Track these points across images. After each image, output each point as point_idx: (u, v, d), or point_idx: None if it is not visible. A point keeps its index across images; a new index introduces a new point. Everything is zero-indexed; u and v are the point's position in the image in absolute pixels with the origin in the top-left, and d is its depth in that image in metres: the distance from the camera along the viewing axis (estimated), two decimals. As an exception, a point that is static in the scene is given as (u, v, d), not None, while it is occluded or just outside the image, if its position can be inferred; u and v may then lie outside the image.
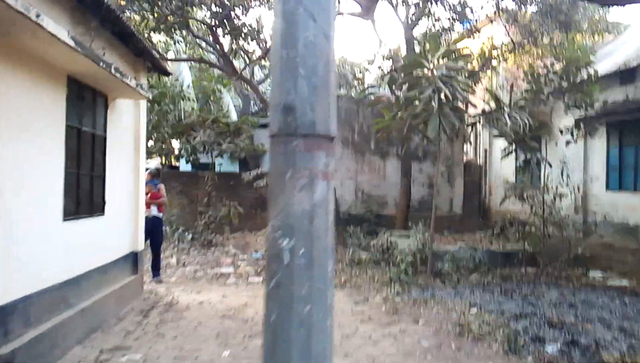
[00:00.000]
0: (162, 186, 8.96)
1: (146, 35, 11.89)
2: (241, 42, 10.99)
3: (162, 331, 6.02)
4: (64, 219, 5.14)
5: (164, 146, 14.05)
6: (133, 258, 7.49)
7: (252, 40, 11.05)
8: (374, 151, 16.09)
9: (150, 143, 14.42)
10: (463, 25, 13.51)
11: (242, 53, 11.18)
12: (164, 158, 16.58)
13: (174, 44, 16.13)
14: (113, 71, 5.16)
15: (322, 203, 2.09)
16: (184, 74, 16.51)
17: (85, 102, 5.72)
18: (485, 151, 17.81)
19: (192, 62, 14.72)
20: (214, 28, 10.85)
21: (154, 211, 8.58)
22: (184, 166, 16.31)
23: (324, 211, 2.12)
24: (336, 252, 11.62)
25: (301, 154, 2.07)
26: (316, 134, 2.08)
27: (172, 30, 12.41)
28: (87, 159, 5.80)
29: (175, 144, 14.92)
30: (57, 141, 5.03)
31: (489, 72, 15.36)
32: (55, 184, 5.00)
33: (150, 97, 6.81)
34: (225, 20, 10.61)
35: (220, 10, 10.62)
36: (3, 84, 4.03)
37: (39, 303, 4.64)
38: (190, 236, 13.43)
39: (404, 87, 8.24)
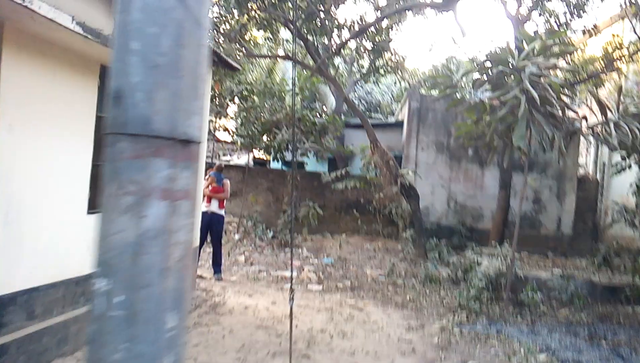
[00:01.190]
0: (226, 182, 8.78)
1: (237, 31, 11.95)
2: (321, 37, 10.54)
3: (189, 335, 5.76)
4: (89, 213, 5.04)
5: (254, 142, 14.07)
6: (184, 255, 7.36)
7: (330, 36, 10.56)
8: (471, 158, 14.82)
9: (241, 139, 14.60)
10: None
11: (320, 48, 10.71)
12: (253, 154, 16.79)
13: (268, 40, 16.20)
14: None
15: (157, 234, 1.50)
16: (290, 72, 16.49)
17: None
18: (604, 164, 15.62)
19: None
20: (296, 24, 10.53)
21: (214, 206, 8.43)
22: (274, 163, 16.32)
23: (160, 245, 1.53)
24: (413, 265, 10.84)
25: (127, 162, 1.51)
26: (152, 135, 1.50)
27: (263, 27, 12.40)
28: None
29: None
30: (86, 133, 4.93)
31: (615, 75, 13.41)
32: (81, 176, 4.91)
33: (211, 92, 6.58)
34: (308, 17, 10.24)
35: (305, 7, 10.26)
36: (23, 73, 3.95)
37: (52, 295, 4.56)
38: (271, 234, 13.35)
39: (486, 87, 7.21)
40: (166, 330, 1.47)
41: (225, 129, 13.82)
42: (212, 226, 8.33)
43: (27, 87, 4.08)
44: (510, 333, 6.43)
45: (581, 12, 11.08)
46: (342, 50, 11.55)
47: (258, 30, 13.48)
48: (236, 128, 14.39)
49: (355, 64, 16.58)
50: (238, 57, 12.20)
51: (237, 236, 12.96)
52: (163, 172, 1.43)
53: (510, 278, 7.78)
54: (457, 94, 7.70)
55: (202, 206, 8.26)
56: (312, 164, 16.28)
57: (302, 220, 13.04)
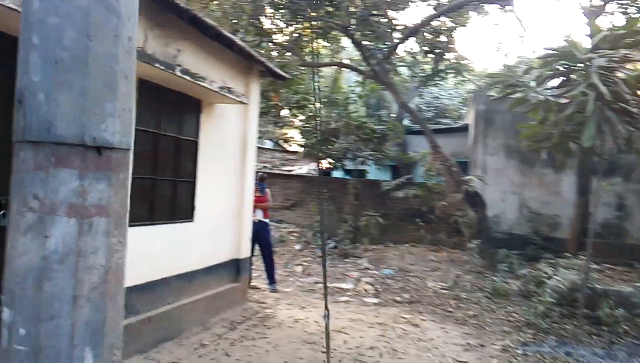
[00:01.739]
0: (268, 191, 8.84)
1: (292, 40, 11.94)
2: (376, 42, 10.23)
3: (233, 349, 5.63)
4: (129, 226, 5.03)
5: (313, 151, 13.97)
6: (234, 266, 7.31)
7: (384, 40, 10.21)
8: (545, 162, 13.81)
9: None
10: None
11: (376, 53, 10.39)
12: (321, 163, 16.68)
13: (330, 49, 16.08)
14: (178, 72, 4.91)
15: (63, 257, 1.30)
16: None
17: (168, 106, 5.62)
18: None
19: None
20: (351, 30, 10.32)
21: (259, 215, 8.37)
22: (336, 172, 16.13)
23: (68, 269, 1.32)
24: (479, 278, 10.17)
25: (30, 174, 1.32)
26: (55, 141, 1.31)
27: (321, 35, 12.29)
28: (167, 164, 5.69)
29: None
30: (125, 145, 4.95)
31: None
32: (120, 189, 4.93)
33: (246, 102, 6.50)
34: (364, 21, 9.99)
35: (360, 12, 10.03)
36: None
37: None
38: (332, 244, 13.13)
39: (549, 83, 6.58)
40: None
41: (286, 140, 13.80)
42: (258, 235, 8.23)
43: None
44: (582, 355, 5.75)
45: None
46: (393, 53, 11.16)
47: (315, 39, 13.41)
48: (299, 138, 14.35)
49: (417, 68, 16.06)
50: (295, 67, 12.16)
51: (297, 247, 12.86)
52: (70, 184, 1.23)
53: (584, 292, 7.03)
54: (519, 93, 7.08)
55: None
56: (373, 172, 15.91)
57: (363, 230, 12.71)
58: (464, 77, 15.26)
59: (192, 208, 6.22)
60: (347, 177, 15.71)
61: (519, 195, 13.89)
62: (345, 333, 6.51)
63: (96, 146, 1.30)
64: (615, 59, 6.10)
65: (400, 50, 13.64)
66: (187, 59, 5.77)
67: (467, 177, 10.98)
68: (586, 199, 11.98)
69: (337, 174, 16.59)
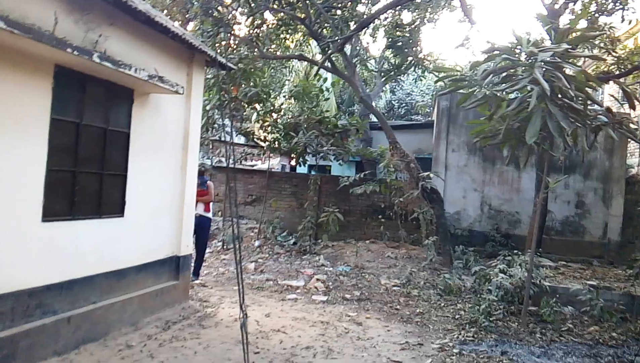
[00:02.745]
0: (210, 184, 8.70)
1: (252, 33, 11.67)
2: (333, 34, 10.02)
3: (160, 350, 5.41)
4: (44, 220, 4.77)
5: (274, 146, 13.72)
6: (174, 263, 7.06)
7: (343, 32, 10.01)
8: (506, 160, 13.81)
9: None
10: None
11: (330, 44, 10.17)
12: (289, 159, 16.39)
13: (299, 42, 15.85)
14: (96, 59, 4.64)
15: None
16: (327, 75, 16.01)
17: (93, 95, 5.33)
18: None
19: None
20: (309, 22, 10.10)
21: (199, 209, 8.15)
22: (300, 168, 15.91)
23: None
24: (435, 275, 10.08)
25: None
26: None
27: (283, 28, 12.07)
28: (92, 157, 5.41)
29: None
30: (38, 136, 4.66)
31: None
32: (33, 183, 4.64)
33: (181, 93, 6.23)
34: (322, 13, 9.77)
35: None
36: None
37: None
38: (292, 240, 12.92)
39: (491, 79, 6.46)
40: None
41: (245, 134, 13.53)
42: (197, 230, 8.00)
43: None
44: (518, 355, 5.66)
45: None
46: (346, 45, 10.97)
47: (278, 31, 13.17)
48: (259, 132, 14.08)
49: (382, 63, 15.93)
50: (255, 59, 11.88)
51: (257, 243, 12.63)
52: None
53: (528, 289, 6.98)
54: (465, 88, 6.97)
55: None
56: (338, 168, 15.75)
57: (323, 226, 12.53)
58: (423, 72, 15.14)
59: (122, 202, 5.94)
60: (314, 173, 15.53)
61: (480, 192, 13.88)
62: (284, 333, 6.33)
63: None
64: (561, 54, 6.00)
65: (369, 44, 13.47)
66: (114, 45, 5.49)
67: (425, 173, 10.86)
68: (545, 196, 12.00)
69: (301, 169, 16.37)
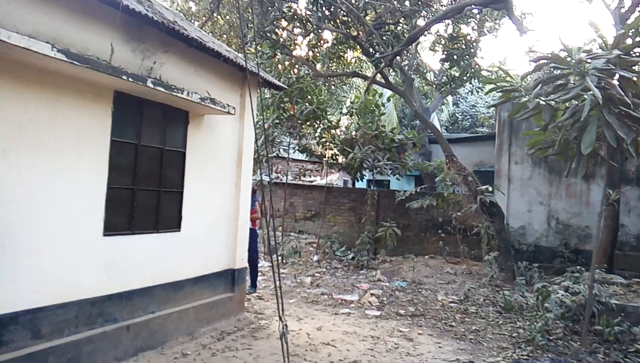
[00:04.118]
0: (257, 202, 8.99)
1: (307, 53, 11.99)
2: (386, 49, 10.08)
3: (213, 359, 5.64)
4: (105, 234, 5.15)
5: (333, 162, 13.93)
6: (229, 276, 7.33)
7: (393, 47, 10.06)
8: (566, 171, 13.20)
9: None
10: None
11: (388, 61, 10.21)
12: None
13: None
14: (150, 84, 5.01)
15: None
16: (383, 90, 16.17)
17: (150, 118, 5.73)
18: None
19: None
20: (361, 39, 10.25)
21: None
22: (359, 183, 15.98)
23: None
24: (495, 291, 9.75)
25: None
26: None
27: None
28: (150, 175, 5.79)
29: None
30: (100, 157, 5.08)
31: None
32: (95, 200, 5.05)
33: (233, 113, 6.52)
34: (376, 30, 9.90)
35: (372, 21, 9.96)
36: (18, 102, 4.21)
37: (62, 316, 4.69)
38: (351, 255, 12.99)
39: (541, 89, 6.25)
40: None
41: (304, 150, 13.81)
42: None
43: (24, 115, 4.27)
44: (575, 376, 5.40)
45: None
46: (395, 59, 10.95)
47: (334, 49, 13.44)
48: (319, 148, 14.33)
49: (440, 76, 15.77)
50: (310, 78, 12.19)
51: (315, 257, 12.79)
52: None
53: (590, 307, 6.62)
54: (517, 99, 6.80)
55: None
56: (396, 183, 15.67)
57: (381, 241, 12.50)
58: (479, 83, 14.83)
59: (179, 217, 6.29)
60: (371, 188, 15.56)
61: (546, 206, 13.34)
62: (333, 346, 6.38)
63: None
64: (614, 60, 5.75)
65: (427, 59, 13.43)
66: (169, 71, 5.89)
67: (484, 187, 10.60)
68: (615, 209, 11.33)
69: (360, 185, 16.44)
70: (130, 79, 4.77)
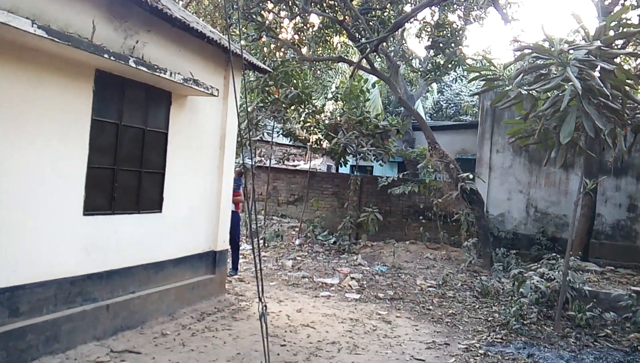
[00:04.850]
0: (242, 187, 8.98)
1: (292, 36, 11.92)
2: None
3: (192, 339, 5.69)
4: (85, 214, 5.13)
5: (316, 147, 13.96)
6: (210, 257, 7.36)
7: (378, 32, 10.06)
8: (554, 161, 13.41)
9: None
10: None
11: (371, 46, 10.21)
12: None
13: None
14: (132, 64, 4.96)
15: None
16: (368, 76, 16.16)
17: (132, 98, 5.68)
18: None
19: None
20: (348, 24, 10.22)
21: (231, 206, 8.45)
22: (342, 168, 16.05)
23: None
24: (473, 277, 9.94)
25: None
26: None
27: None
28: (131, 156, 5.76)
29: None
30: (81, 136, 5.04)
31: None
32: (75, 179, 5.02)
33: (216, 95, 6.49)
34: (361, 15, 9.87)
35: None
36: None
37: (40, 294, 4.68)
38: (333, 239, 13.09)
39: (522, 78, 6.34)
40: None
41: (288, 134, 13.81)
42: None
43: (2, 92, 4.21)
44: (545, 358, 5.56)
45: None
46: (381, 45, 10.96)
47: (321, 33, 13.38)
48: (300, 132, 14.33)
49: (425, 64, 15.83)
50: (296, 62, 12.14)
51: (297, 241, 12.86)
52: None
53: (563, 293, 6.81)
54: (499, 88, 6.89)
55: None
56: (379, 169, 15.77)
57: (363, 226, 12.62)
58: (463, 71, 14.93)
59: (160, 199, 6.28)
60: (354, 173, 15.64)
61: (525, 194, 13.56)
62: (312, 328, 6.48)
63: None
64: (595, 51, 5.86)
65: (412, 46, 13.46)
66: (152, 51, 5.83)
67: (464, 174, 10.74)
68: (592, 199, 11.58)
69: (344, 170, 16.50)
70: (112, 58, 4.73)
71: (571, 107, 6.15)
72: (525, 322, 6.80)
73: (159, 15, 5.59)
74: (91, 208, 5.22)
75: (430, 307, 7.92)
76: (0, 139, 4.25)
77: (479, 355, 5.64)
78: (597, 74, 6.08)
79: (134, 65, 5.02)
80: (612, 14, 6.43)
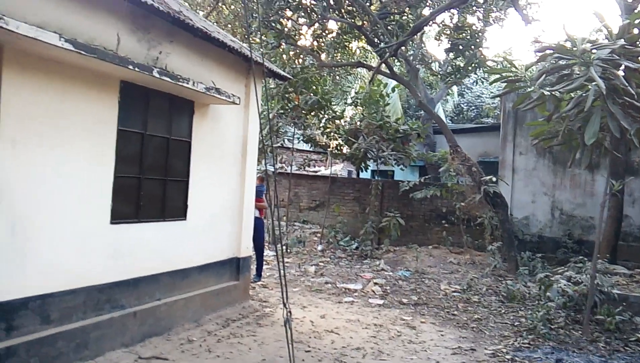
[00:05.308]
0: (264, 193, 9.01)
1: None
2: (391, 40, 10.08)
3: (218, 345, 5.73)
4: (112, 222, 5.23)
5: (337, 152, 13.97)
6: (234, 264, 7.42)
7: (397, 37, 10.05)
8: (570, 162, 13.20)
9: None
10: None
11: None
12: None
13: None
14: (155, 74, 5.06)
15: None
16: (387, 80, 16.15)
17: (156, 108, 5.78)
18: None
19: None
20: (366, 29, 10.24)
21: (255, 213, 8.47)
22: (364, 173, 16.03)
23: None
24: (498, 281, 9.80)
25: None
26: None
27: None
28: (156, 164, 5.85)
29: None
30: (107, 146, 5.14)
31: None
32: (102, 188, 5.12)
33: (238, 103, 6.57)
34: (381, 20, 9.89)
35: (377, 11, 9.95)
36: (26, 91, 4.27)
37: (69, 302, 4.78)
38: (355, 245, 13.07)
39: (545, 79, 6.25)
40: None
41: (309, 140, 13.85)
42: (253, 232, 8.32)
43: (32, 104, 4.33)
44: (574, 363, 5.47)
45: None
46: (399, 50, 10.93)
47: (339, 39, 13.43)
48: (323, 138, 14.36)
49: (445, 66, 15.74)
50: (315, 68, 12.21)
51: (319, 247, 12.87)
52: None
53: (591, 296, 6.68)
54: (521, 89, 6.82)
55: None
56: (400, 173, 15.69)
57: (385, 231, 12.57)
58: (484, 73, 14.79)
59: (185, 206, 6.37)
60: (375, 178, 15.61)
61: (550, 196, 13.34)
62: (337, 334, 6.48)
63: None
64: (618, 51, 5.76)
65: (432, 49, 13.43)
66: (175, 61, 5.93)
67: (487, 177, 10.63)
68: (619, 200, 11.33)
69: (365, 175, 16.48)
70: (136, 69, 4.82)
71: (595, 108, 6.07)
72: (552, 327, 6.69)
73: (181, 26, 5.70)
74: (118, 216, 5.32)
75: (455, 312, 7.84)
76: (32, 153, 4.36)
77: (506, 360, 5.57)
78: (621, 73, 5.98)
79: (157, 75, 5.11)
80: (636, 11, 6.30)
